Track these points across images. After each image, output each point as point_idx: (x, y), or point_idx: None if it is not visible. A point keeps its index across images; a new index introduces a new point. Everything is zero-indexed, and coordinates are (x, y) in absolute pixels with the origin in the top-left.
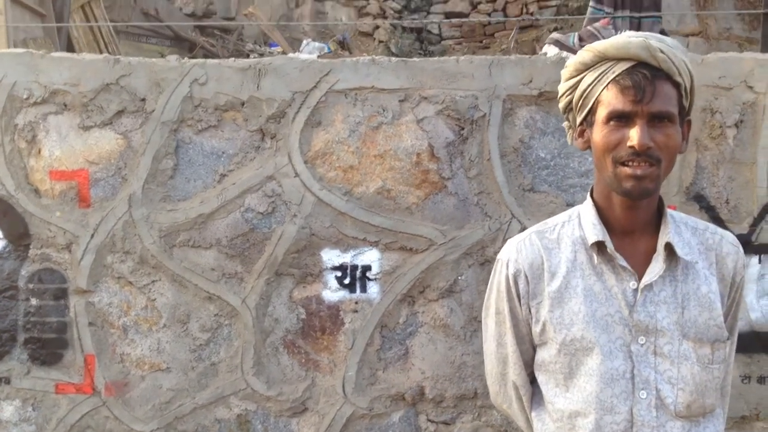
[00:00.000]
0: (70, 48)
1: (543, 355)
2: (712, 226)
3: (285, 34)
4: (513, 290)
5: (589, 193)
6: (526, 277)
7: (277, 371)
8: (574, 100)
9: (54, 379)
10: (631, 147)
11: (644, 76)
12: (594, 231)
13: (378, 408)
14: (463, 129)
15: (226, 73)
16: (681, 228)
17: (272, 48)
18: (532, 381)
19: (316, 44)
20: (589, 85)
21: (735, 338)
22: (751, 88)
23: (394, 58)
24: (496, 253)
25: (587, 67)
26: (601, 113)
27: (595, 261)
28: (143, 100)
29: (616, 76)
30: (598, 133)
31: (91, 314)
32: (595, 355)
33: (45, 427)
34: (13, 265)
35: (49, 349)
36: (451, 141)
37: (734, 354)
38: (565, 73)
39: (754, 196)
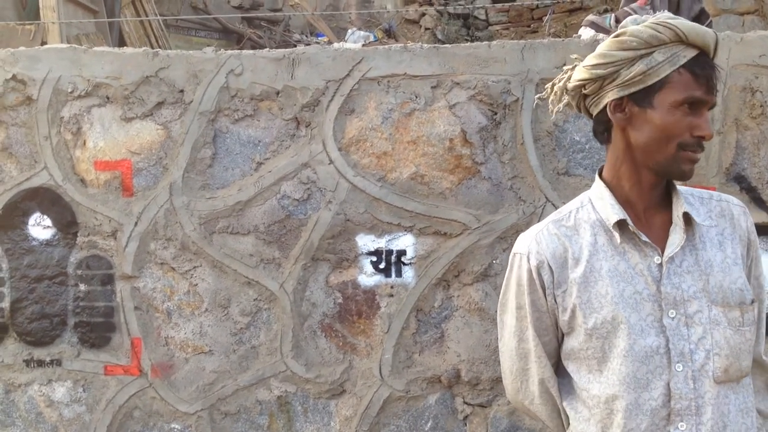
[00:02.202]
0: (122, 43)
1: (572, 343)
2: (716, 194)
3: (331, 23)
4: (537, 282)
5: (597, 176)
6: (550, 267)
7: (315, 354)
8: (627, 73)
9: (103, 361)
10: (700, 136)
11: (714, 67)
12: (614, 211)
13: (414, 390)
14: (495, 114)
15: (261, 63)
16: (689, 199)
17: (319, 38)
18: (555, 372)
19: (362, 33)
20: (660, 63)
21: (763, 303)
22: None
23: (426, 45)
24: None
25: (661, 44)
26: (671, 96)
27: (618, 241)
28: (182, 91)
29: (689, 61)
30: (666, 116)
31: (137, 299)
32: (627, 335)
33: (95, 408)
34: (62, 252)
35: (97, 332)
36: (484, 126)
37: (765, 322)
38: (626, 42)
39: None
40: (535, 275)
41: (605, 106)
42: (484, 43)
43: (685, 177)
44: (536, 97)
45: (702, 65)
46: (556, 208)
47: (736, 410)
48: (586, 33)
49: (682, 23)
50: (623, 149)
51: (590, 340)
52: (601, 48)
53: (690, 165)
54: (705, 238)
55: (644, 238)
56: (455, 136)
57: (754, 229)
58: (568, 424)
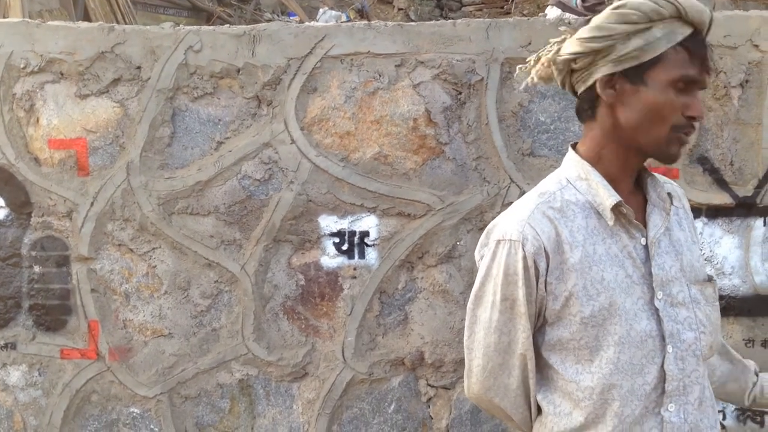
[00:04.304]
0: (87, 20)
1: (560, 333)
2: (660, 176)
3: (303, 2)
4: (532, 271)
5: (576, 155)
6: (546, 253)
7: (277, 337)
8: (623, 47)
9: (59, 344)
10: (692, 117)
11: (707, 46)
12: (609, 193)
13: (378, 373)
14: (460, 93)
15: (221, 39)
16: None
17: (291, 18)
18: None
19: (333, 12)
20: (658, 39)
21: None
22: (756, 47)
23: (390, 23)
24: (495, 218)
25: (661, 19)
26: (665, 74)
27: (611, 224)
28: (139, 68)
29: (685, 39)
30: (659, 94)
31: (93, 281)
32: (624, 321)
33: (51, 392)
34: (16, 233)
35: (53, 315)
36: (448, 106)
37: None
38: (626, 15)
39: (759, 157)
40: (530, 263)
41: (594, 83)
42: (449, 21)
43: (672, 160)
44: (519, 67)
45: (698, 43)
46: (521, 189)
47: (708, 384)
48: (552, 12)
49: (688, 2)
50: (610, 128)
51: (585, 329)
52: (597, 20)
53: (679, 147)
54: (671, 217)
55: (634, 220)
56: (419, 116)
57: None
58: (535, 418)
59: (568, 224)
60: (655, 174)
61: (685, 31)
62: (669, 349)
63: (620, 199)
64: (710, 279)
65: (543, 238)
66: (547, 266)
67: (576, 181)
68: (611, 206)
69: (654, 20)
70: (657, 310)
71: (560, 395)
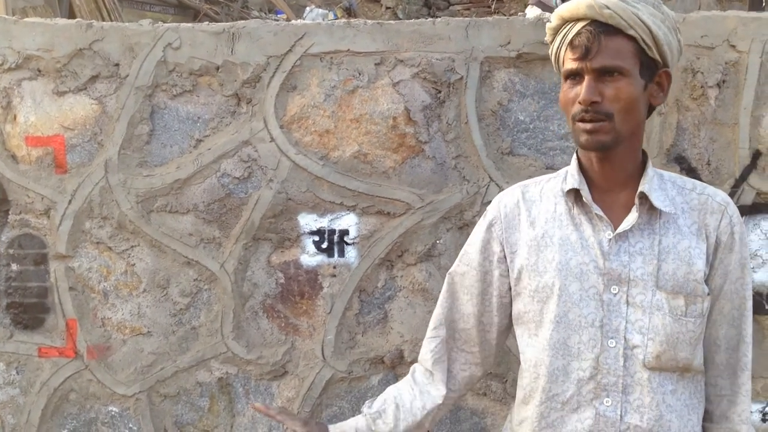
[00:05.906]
0: (72, 17)
1: (518, 306)
2: (701, 186)
3: (291, 0)
4: (490, 231)
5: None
6: (502, 224)
7: (257, 335)
8: (554, 66)
9: (37, 342)
10: (579, 103)
11: (589, 33)
12: (572, 180)
13: (357, 371)
14: (440, 92)
15: (200, 37)
16: (667, 185)
17: (278, 15)
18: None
19: (320, 11)
20: (557, 49)
21: (743, 302)
22: (733, 47)
23: (369, 21)
24: (474, 216)
25: (555, 32)
26: (562, 73)
27: (573, 211)
28: (117, 65)
29: (572, 36)
30: (561, 92)
31: (72, 279)
32: (563, 302)
33: (29, 391)
34: None
35: (31, 313)
36: (427, 104)
37: (750, 325)
38: (547, 40)
39: (735, 157)
40: (488, 226)
41: None
42: (429, 20)
43: (586, 148)
44: None
45: (577, 33)
46: (500, 188)
47: (680, 403)
48: (531, 12)
49: (563, 5)
50: None
51: (532, 302)
52: None
53: (584, 135)
54: (670, 224)
55: (597, 211)
56: (399, 115)
57: (730, 228)
58: None
59: (536, 207)
60: (664, 177)
61: (576, 28)
62: (611, 343)
63: (576, 186)
64: (704, 295)
65: (502, 213)
66: (503, 236)
67: (568, 172)
68: (565, 191)
69: (553, 35)
70: (604, 302)
71: (521, 370)
